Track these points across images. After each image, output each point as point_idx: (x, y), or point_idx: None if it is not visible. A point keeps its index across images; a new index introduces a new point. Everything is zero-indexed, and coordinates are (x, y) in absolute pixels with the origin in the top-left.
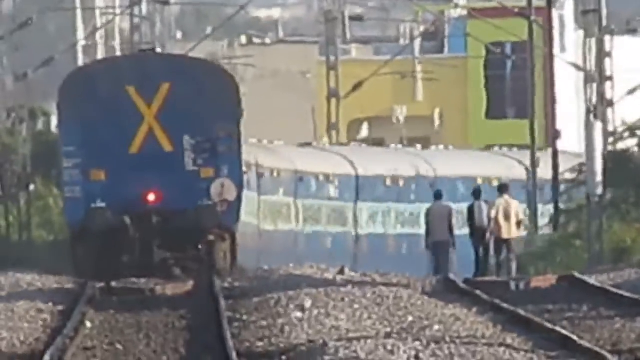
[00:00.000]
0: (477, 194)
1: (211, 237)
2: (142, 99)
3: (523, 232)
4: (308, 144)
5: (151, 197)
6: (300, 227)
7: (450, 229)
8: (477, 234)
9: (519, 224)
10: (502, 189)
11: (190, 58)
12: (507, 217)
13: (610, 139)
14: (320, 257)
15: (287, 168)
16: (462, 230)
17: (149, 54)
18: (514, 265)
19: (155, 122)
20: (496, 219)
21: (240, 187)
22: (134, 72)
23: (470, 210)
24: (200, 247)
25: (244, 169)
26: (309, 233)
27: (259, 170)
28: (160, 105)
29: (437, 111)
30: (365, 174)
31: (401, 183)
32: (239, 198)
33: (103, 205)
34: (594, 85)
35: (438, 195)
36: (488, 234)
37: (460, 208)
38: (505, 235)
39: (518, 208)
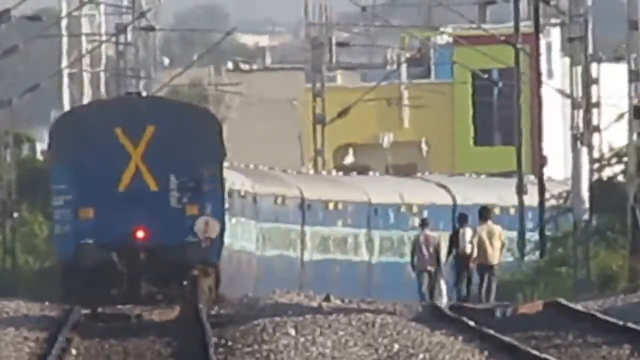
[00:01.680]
0: (462, 220)
1: (195, 272)
2: (129, 140)
3: (506, 258)
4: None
5: (138, 234)
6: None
7: (438, 258)
8: (461, 260)
9: (502, 249)
10: (484, 214)
11: (175, 101)
12: (490, 242)
13: (597, 165)
14: None
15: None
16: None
17: (136, 97)
18: (493, 292)
19: (141, 162)
20: (479, 244)
21: (222, 224)
22: (121, 114)
23: (455, 235)
24: (185, 282)
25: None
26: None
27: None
28: (146, 146)
29: (423, 138)
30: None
31: None
32: (221, 235)
33: (91, 241)
34: (581, 112)
35: (424, 224)
36: (473, 259)
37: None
38: (487, 261)
39: (501, 233)
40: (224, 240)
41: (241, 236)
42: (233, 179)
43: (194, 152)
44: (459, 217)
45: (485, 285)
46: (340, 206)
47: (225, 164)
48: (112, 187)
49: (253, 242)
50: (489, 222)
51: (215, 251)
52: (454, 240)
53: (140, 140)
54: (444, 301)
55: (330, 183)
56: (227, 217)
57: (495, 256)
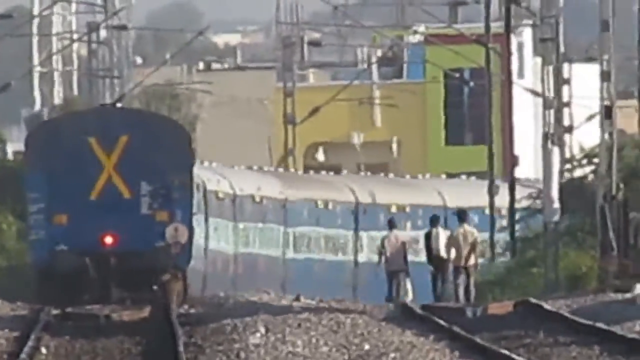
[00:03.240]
0: (434, 221)
1: (166, 277)
2: (103, 149)
3: (481, 260)
4: None
5: (109, 239)
6: None
7: (405, 258)
8: (434, 260)
9: (473, 250)
10: (461, 216)
11: (147, 113)
12: (465, 244)
13: (568, 166)
14: None
15: None
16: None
17: (109, 108)
18: (472, 293)
19: (114, 170)
20: (456, 246)
21: (191, 230)
22: (95, 125)
23: (427, 237)
24: (155, 287)
25: None
26: None
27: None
28: (119, 156)
29: (395, 138)
30: None
31: None
32: (190, 240)
33: (65, 247)
34: (552, 112)
35: (392, 224)
36: (449, 260)
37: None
38: (463, 263)
39: (476, 235)
40: (192, 246)
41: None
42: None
43: (164, 161)
44: (431, 219)
45: (463, 286)
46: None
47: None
48: (85, 194)
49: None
50: (465, 225)
51: (185, 256)
52: (427, 242)
53: (113, 149)
54: (408, 300)
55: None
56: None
57: (471, 257)
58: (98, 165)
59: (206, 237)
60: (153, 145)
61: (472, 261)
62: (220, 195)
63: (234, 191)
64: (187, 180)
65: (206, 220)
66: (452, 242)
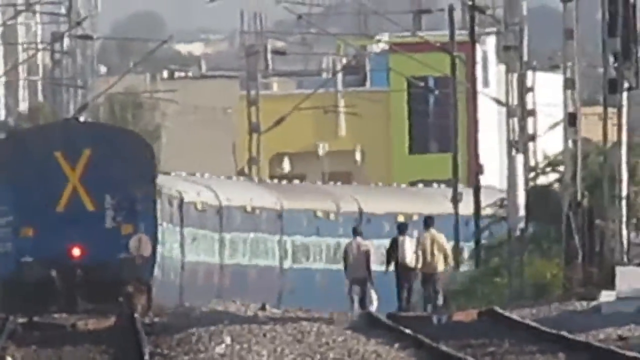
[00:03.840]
0: (401, 228)
1: (130, 289)
2: (67, 163)
3: (450, 266)
4: None
5: (75, 251)
6: None
7: (368, 266)
8: (400, 268)
9: (445, 257)
10: (428, 222)
11: (110, 126)
12: (432, 251)
13: (532, 174)
14: None
15: None
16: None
17: (74, 122)
18: (440, 299)
19: (79, 183)
20: (423, 253)
21: (155, 242)
22: (60, 138)
23: (393, 244)
24: (120, 298)
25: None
26: None
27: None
28: (83, 169)
29: (358, 146)
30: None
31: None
32: (154, 253)
33: (31, 259)
34: (516, 120)
35: (356, 232)
36: (416, 268)
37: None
38: (431, 270)
39: (444, 241)
40: (156, 258)
41: None
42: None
43: (127, 174)
44: (399, 226)
45: (431, 293)
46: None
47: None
48: (51, 207)
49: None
50: (432, 230)
51: (149, 268)
52: (393, 249)
53: (77, 163)
54: (373, 309)
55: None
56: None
57: (438, 264)
58: (63, 178)
59: (182, 249)
60: (116, 158)
61: (440, 267)
62: (200, 206)
63: (219, 202)
64: (150, 193)
65: (181, 231)
66: (419, 247)
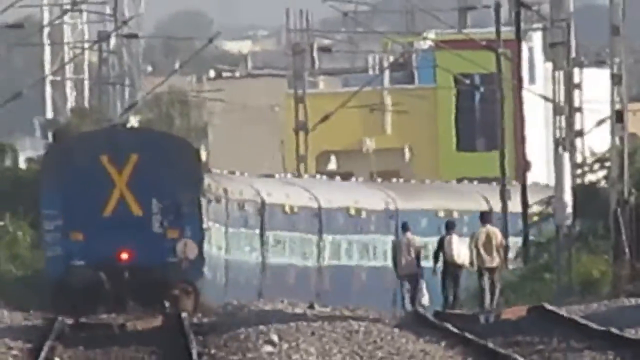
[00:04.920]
0: (449, 226)
1: (176, 292)
2: (114, 168)
3: (508, 261)
4: None
5: (123, 255)
6: None
7: (419, 262)
8: (447, 267)
9: (502, 251)
10: (485, 217)
11: (156, 131)
12: (489, 245)
13: (579, 171)
14: None
15: None
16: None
17: (120, 128)
18: (497, 294)
19: (125, 188)
20: (477, 248)
21: (200, 246)
22: (107, 144)
23: (440, 242)
24: (166, 302)
25: None
26: None
27: None
28: (130, 174)
29: (407, 144)
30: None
31: None
32: (200, 255)
33: (81, 263)
34: (563, 117)
35: (405, 227)
36: (468, 265)
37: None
38: (487, 264)
39: (500, 236)
40: (203, 261)
41: None
42: None
43: (174, 179)
44: (446, 225)
45: (488, 289)
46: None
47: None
48: (98, 212)
49: None
50: (488, 226)
51: (195, 271)
52: (440, 247)
53: (124, 168)
54: (424, 301)
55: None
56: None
57: (494, 260)
58: (110, 183)
59: (226, 248)
60: (162, 163)
61: (496, 262)
62: (288, 209)
63: (318, 204)
64: (196, 197)
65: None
66: (473, 242)
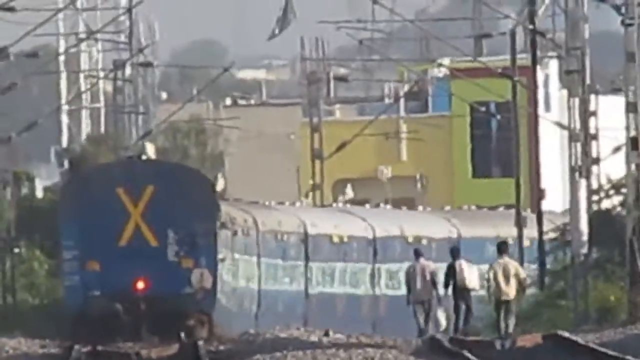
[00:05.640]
0: (455, 252)
1: (191, 322)
2: (130, 199)
3: (523, 294)
4: None
5: (140, 285)
6: None
7: (435, 287)
8: (459, 291)
9: (520, 284)
10: (502, 248)
11: (171, 163)
12: (506, 277)
13: (595, 197)
14: None
15: None
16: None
17: (135, 160)
18: (511, 326)
19: (141, 219)
20: (495, 280)
21: (215, 275)
22: (123, 176)
23: (450, 268)
24: (182, 332)
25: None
26: None
27: None
28: (145, 205)
29: (420, 171)
30: None
31: None
32: (214, 285)
33: (98, 293)
34: (579, 144)
35: (417, 254)
36: (479, 288)
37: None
38: (504, 297)
39: (518, 268)
40: (217, 290)
41: None
42: None
43: (189, 210)
44: (452, 251)
45: (503, 319)
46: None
47: None
48: (114, 242)
49: None
50: (505, 257)
51: (210, 301)
52: (451, 273)
53: (139, 199)
54: (442, 321)
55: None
56: None
57: (511, 292)
58: (126, 214)
59: (259, 279)
60: (177, 194)
61: (512, 295)
62: (336, 239)
63: (373, 233)
64: (211, 227)
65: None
66: (492, 275)
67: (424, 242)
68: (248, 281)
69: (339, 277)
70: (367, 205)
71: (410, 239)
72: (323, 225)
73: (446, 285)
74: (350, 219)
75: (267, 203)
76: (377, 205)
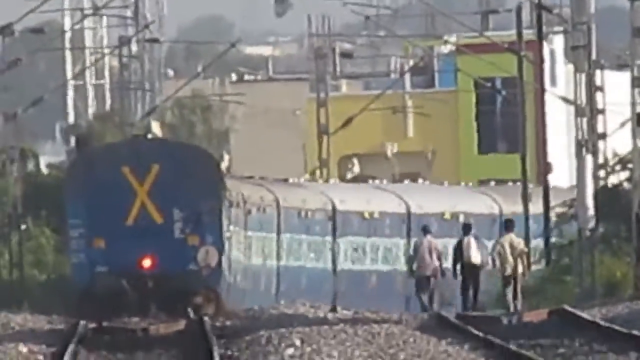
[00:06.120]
0: (466, 229)
1: (198, 300)
2: (136, 178)
3: (531, 267)
4: None
5: (146, 262)
6: None
7: (440, 264)
8: (466, 268)
9: (523, 258)
10: (508, 224)
11: (176, 142)
12: (512, 253)
13: (602, 173)
14: None
15: None
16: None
17: (141, 139)
18: (519, 301)
19: (147, 197)
20: (501, 256)
21: (221, 252)
22: (128, 155)
23: (459, 244)
24: (189, 309)
25: None
26: None
27: None
28: (151, 183)
29: (428, 147)
30: None
31: None
32: (220, 262)
33: (104, 269)
34: (585, 119)
35: (425, 230)
36: (486, 264)
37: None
38: (510, 272)
39: (521, 243)
40: (222, 267)
41: None
42: None
43: (194, 188)
44: (463, 227)
45: (511, 295)
46: None
47: None
48: (121, 220)
49: None
50: (512, 234)
51: (216, 277)
52: (459, 250)
53: (145, 178)
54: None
55: None
56: None
57: (517, 268)
58: (132, 192)
59: (278, 256)
60: (183, 173)
61: (519, 270)
62: (367, 215)
63: (407, 209)
64: (217, 205)
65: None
66: (497, 251)
67: (462, 218)
68: (266, 259)
69: (370, 253)
70: (406, 181)
71: (446, 216)
72: (353, 202)
73: (455, 262)
74: (383, 195)
75: (294, 180)
76: (415, 180)
